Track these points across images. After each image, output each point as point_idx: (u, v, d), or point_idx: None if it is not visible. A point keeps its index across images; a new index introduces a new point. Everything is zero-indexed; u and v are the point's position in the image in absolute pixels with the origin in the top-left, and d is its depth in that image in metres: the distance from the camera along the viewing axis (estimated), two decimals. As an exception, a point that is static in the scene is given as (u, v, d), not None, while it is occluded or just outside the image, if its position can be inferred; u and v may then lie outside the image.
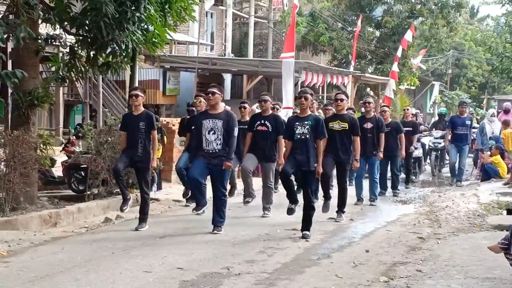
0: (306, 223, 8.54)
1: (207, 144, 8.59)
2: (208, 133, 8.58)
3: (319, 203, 9.94)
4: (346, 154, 9.95)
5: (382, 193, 12.89)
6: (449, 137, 15.21)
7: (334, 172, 10.68)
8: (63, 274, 6.44)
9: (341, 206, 10.00)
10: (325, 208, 9.87)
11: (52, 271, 6.53)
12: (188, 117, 11.55)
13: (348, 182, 10.73)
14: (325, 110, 12.31)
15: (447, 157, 17.44)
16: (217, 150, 8.57)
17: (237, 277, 6.40)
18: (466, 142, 14.96)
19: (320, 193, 10.00)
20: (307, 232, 8.48)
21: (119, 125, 9.77)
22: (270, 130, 10.13)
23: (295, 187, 9.19)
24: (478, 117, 26.76)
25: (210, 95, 8.67)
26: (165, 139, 12.80)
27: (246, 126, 10.47)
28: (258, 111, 11.51)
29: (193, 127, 11.03)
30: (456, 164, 15.15)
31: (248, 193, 10.47)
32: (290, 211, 8.67)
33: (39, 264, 6.89)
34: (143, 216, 9.07)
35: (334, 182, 11.43)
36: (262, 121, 10.19)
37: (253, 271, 6.66)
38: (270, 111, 10.41)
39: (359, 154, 10.22)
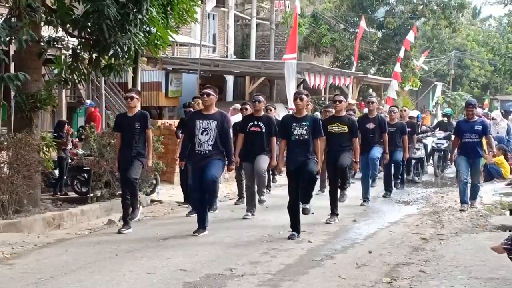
0: (306, 197, 8.52)
1: (199, 144, 8.54)
2: (201, 134, 8.52)
3: (321, 204, 9.97)
4: (346, 155, 9.96)
5: (387, 195, 12.85)
6: (456, 148, 11.66)
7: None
8: (67, 275, 6.45)
9: (343, 189, 10.07)
10: (342, 197, 9.97)
11: (56, 273, 6.54)
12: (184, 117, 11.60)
13: (349, 183, 10.77)
14: (325, 111, 12.31)
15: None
16: (207, 152, 8.50)
17: (241, 278, 6.40)
18: (478, 154, 11.33)
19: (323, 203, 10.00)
20: (307, 206, 8.51)
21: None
22: (264, 131, 10.06)
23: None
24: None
25: (204, 96, 8.64)
26: None
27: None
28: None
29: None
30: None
31: (248, 208, 10.39)
32: (292, 237, 8.49)
33: (43, 266, 6.90)
34: (134, 201, 8.96)
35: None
36: (255, 122, 10.11)
37: (257, 272, 6.66)
38: (263, 112, 10.37)
39: (358, 156, 10.25)
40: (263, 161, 10.17)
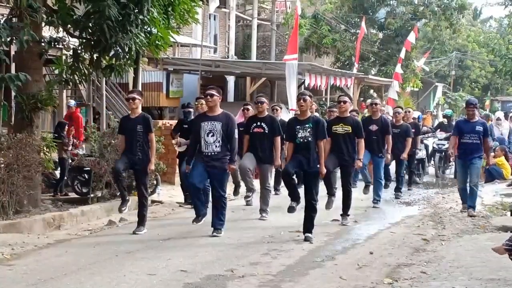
0: (308, 225, 8.52)
1: (206, 146, 8.54)
2: (207, 136, 8.52)
3: (321, 205, 9.93)
4: (350, 157, 9.90)
5: (386, 185, 12.76)
6: (455, 149, 11.20)
7: (338, 174, 10.64)
8: (67, 276, 6.44)
9: (346, 209, 9.96)
10: (329, 204, 9.75)
11: (57, 274, 6.53)
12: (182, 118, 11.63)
13: (352, 184, 10.73)
14: (329, 112, 12.29)
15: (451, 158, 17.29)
16: (216, 153, 8.52)
17: (241, 279, 6.39)
18: (477, 155, 10.82)
19: (323, 191, 9.96)
20: (309, 235, 8.46)
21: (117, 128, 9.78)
22: (267, 131, 10.06)
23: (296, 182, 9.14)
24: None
25: (208, 97, 8.62)
26: None
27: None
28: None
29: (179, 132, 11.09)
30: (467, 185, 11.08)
31: (248, 188, 10.44)
32: (291, 209, 8.59)
33: (43, 267, 6.89)
34: (141, 219, 9.04)
35: (338, 184, 11.39)
36: (258, 123, 10.12)
37: (257, 273, 6.65)
38: (266, 113, 10.37)
39: (362, 155, 10.20)
40: (269, 173, 10.29)
